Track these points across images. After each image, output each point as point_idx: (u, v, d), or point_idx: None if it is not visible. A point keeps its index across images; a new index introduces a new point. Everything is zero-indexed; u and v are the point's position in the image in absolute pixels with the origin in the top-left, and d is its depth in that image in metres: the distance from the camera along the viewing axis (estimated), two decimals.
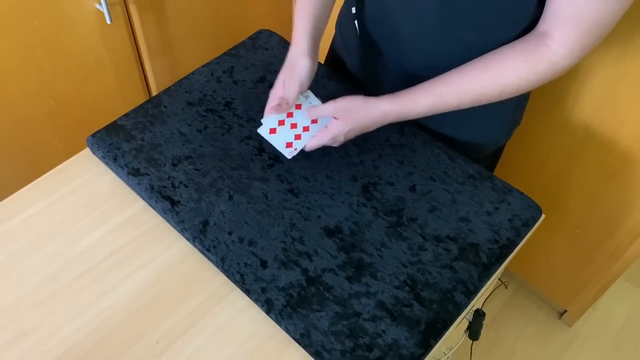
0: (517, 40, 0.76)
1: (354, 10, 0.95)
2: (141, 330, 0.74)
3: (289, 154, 0.85)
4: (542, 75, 0.75)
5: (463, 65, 0.79)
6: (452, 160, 0.91)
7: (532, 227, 0.85)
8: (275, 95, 0.86)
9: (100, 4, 1.19)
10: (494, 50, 0.77)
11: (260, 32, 1.09)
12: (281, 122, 0.86)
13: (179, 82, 1.00)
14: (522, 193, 0.88)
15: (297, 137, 0.86)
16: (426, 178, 0.88)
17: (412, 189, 0.87)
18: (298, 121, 0.87)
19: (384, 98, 0.81)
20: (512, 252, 0.82)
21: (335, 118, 0.83)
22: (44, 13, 1.15)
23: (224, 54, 1.05)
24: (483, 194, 0.87)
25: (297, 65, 0.84)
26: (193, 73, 1.01)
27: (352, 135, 0.84)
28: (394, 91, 0.81)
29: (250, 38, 1.08)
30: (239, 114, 0.95)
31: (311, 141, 0.85)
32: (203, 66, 1.03)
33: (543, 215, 0.86)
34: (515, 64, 0.75)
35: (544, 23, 0.73)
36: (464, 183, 0.88)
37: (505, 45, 0.76)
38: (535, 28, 0.75)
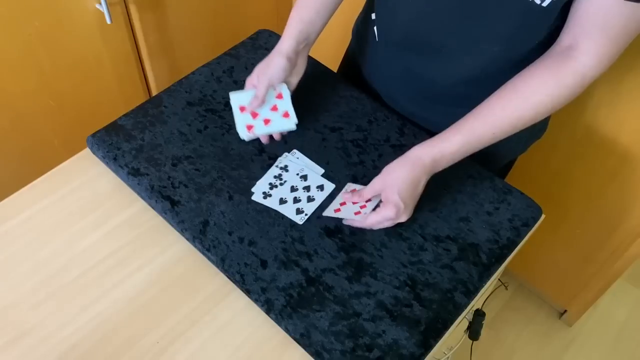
0: (541, 57, 0.75)
1: (373, 16, 0.94)
2: (141, 330, 0.74)
3: (247, 137, 0.89)
4: (572, 89, 0.74)
5: (490, 97, 0.77)
6: None
7: (532, 227, 0.85)
8: (250, 83, 0.91)
9: (100, 4, 1.19)
10: (518, 75, 0.76)
11: (260, 32, 1.09)
12: (254, 115, 0.90)
13: (179, 82, 1.00)
14: (522, 193, 0.88)
15: (363, 206, 0.83)
16: None
17: None
18: (260, 112, 0.90)
19: (413, 147, 0.80)
20: (512, 252, 0.82)
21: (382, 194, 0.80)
22: (44, 13, 1.15)
23: (224, 54, 1.05)
24: (483, 194, 0.87)
25: (272, 62, 0.88)
26: (193, 73, 1.01)
27: (408, 198, 0.79)
28: (410, 103, 0.80)
29: (250, 38, 1.08)
30: None
31: (372, 217, 0.80)
32: (203, 66, 1.03)
33: (543, 215, 0.86)
34: (543, 83, 0.74)
35: (569, 35, 0.72)
36: (464, 183, 0.88)
37: (530, 66, 0.75)
38: (558, 42, 0.74)
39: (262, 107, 0.90)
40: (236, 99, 0.91)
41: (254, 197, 0.84)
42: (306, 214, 0.83)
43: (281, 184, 0.85)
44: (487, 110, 0.77)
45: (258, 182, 0.86)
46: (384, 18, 0.91)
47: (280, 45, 0.89)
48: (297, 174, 0.87)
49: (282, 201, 0.84)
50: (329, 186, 0.86)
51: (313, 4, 0.88)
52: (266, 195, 0.84)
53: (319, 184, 0.86)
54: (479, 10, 0.75)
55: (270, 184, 0.85)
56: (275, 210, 0.83)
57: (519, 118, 0.76)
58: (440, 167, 0.80)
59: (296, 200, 0.84)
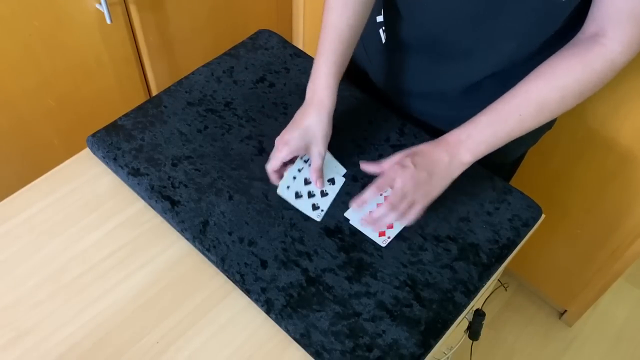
0: (566, 45, 0.74)
1: (379, 18, 0.93)
2: (141, 330, 0.74)
3: (382, 242, 0.80)
4: (601, 74, 0.73)
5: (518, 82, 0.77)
6: None
7: (532, 227, 0.85)
8: (291, 151, 0.82)
9: (100, 4, 1.19)
10: (545, 61, 0.75)
11: (260, 32, 1.09)
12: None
13: (179, 82, 1.00)
14: (522, 193, 0.88)
15: (389, 226, 0.81)
16: None
17: None
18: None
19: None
20: (512, 252, 0.82)
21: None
22: (44, 13, 1.15)
23: (224, 54, 1.05)
24: (483, 194, 0.87)
25: (320, 126, 0.81)
26: (193, 73, 1.01)
27: (422, 170, 0.76)
28: (420, 102, 0.79)
29: (250, 38, 1.08)
30: (239, 114, 0.95)
31: (380, 209, 0.77)
32: (203, 66, 1.03)
33: (543, 215, 0.86)
34: (569, 67, 0.73)
35: (593, 24, 0.72)
36: (464, 183, 0.88)
37: (556, 53, 0.75)
38: (582, 31, 0.73)
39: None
40: (354, 216, 0.82)
41: (278, 191, 0.83)
42: (322, 210, 0.82)
43: (299, 176, 0.84)
44: (511, 94, 0.76)
45: (284, 175, 0.84)
46: (395, 21, 0.90)
47: (322, 100, 0.82)
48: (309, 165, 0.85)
49: (298, 195, 0.83)
50: (339, 180, 0.85)
51: (340, 45, 0.83)
52: (289, 187, 0.83)
53: (330, 177, 0.85)
54: (498, 8, 0.75)
55: (294, 177, 0.84)
56: (276, 210, 0.83)
57: (545, 103, 0.75)
58: (467, 150, 0.77)
59: (310, 194, 0.83)
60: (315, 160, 0.83)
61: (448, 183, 0.79)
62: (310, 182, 0.84)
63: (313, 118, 0.81)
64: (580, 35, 0.74)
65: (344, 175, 0.87)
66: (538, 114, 0.76)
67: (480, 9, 0.76)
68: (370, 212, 0.78)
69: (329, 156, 0.88)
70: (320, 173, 0.83)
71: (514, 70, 0.78)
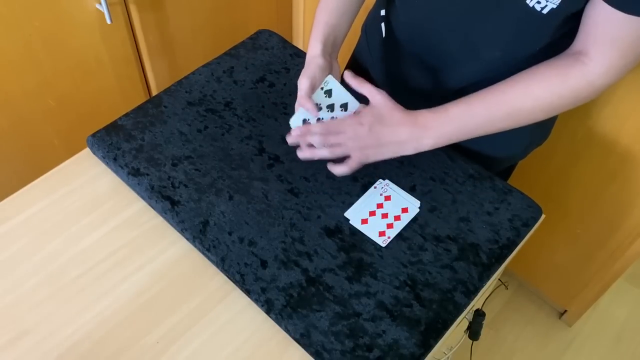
0: (551, 59, 0.75)
1: (382, 12, 0.94)
2: (141, 330, 0.74)
3: (382, 242, 0.81)
4: (576, 92, 0.73)
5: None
6: (452, 160, 0.91)
7: (532, 227, 0.85)
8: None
9: (100, 4, 1.19)
10: (527, 69, 0.76)
11: (260, 32, 1.09)
12: (372, 213, 0.83)
13: (179, 82, 1.00)
14: (522, 193, 0.88)
15: (389, 226, 0.83)
16: (426, 178, 0.88)
17: (412, 189, 0.87)
18: (389, 211, 0.84)
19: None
20: (512, 252, 0.82)
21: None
22: (44, 13, 1.15)
23: (224, 54, 1.05)
24: (483, 194, 0.87)
25: (309, 65, 0.84)
26: (193, 73, 1.01)
27: (375, 133, 0.78)
28: (417, 102, 0.81)
29: (250, 38, 1.08)
30: (239, 114, 0.95)
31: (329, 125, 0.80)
32: (203, 66, 1.03)
33: (543, 215, 0.86)
34: (547, 78, 0.73)
35: (580, 42, 0.72)
36: (464, 183, 0.88)
37: (539, 64, 0.75)
38: (571, 47, 0.73)
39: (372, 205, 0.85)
40: (354, 216, 0.83)
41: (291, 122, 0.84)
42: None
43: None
44: (487, 91, 0.77)
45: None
46: (393, 16, 0.91)
47: (310, 51, 0.86)
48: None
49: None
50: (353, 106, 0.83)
51: (337, 6, 0.86)
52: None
53: (342, 103, 0.83)
54: (480, 14, 0.75)
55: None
56: (276, 210, 0.83)
57: (516, 107, 0.76)
58: (430, 137, 0.78)
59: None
60: (301, 89, 0.82)
61: (394, 157, 0.81)
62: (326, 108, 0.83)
63: (305, 63, 0.85)
64: (567, 51, 0.74)
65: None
66: (507, 117, 0.77)
67: (461, 13, 0.77)
68: (306, 136, 0.81)
69: (336, 87, 0.85)
70: (304, 100, 0.81)
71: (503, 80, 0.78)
